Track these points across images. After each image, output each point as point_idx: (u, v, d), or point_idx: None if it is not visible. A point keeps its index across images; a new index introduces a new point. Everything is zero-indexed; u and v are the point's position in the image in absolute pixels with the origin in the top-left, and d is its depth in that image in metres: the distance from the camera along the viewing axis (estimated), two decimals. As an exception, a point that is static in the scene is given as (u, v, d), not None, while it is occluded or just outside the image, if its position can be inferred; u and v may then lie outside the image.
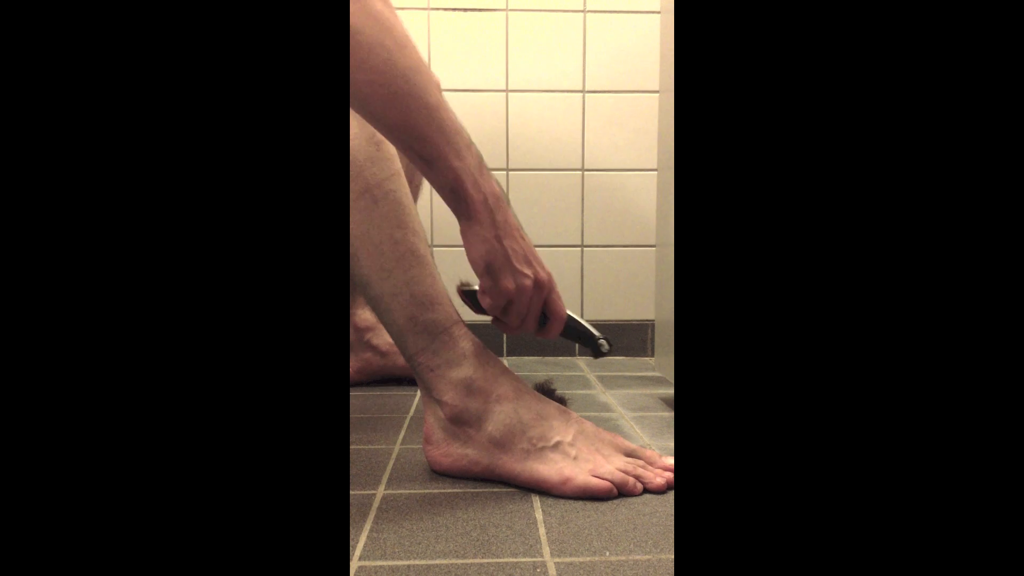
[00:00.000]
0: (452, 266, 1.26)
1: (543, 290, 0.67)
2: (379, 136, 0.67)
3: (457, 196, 0.62)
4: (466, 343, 0.66)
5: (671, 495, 0.62)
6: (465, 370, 0.66)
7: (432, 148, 0.59)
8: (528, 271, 0.65)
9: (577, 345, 0.71)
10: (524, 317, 0.66)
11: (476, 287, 0.69)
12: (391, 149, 0.68)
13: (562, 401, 0.83)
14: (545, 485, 0.62)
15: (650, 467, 0.64)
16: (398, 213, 0.66)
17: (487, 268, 0.63)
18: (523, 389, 0.66)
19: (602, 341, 0.75)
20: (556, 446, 0.63)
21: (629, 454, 0.65)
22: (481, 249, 0.63)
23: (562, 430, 0.64)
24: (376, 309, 0.67)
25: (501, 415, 0.64)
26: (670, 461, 0.65)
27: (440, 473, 0.67)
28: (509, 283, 0.64)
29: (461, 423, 0.65)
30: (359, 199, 0.65)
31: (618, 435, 0.67)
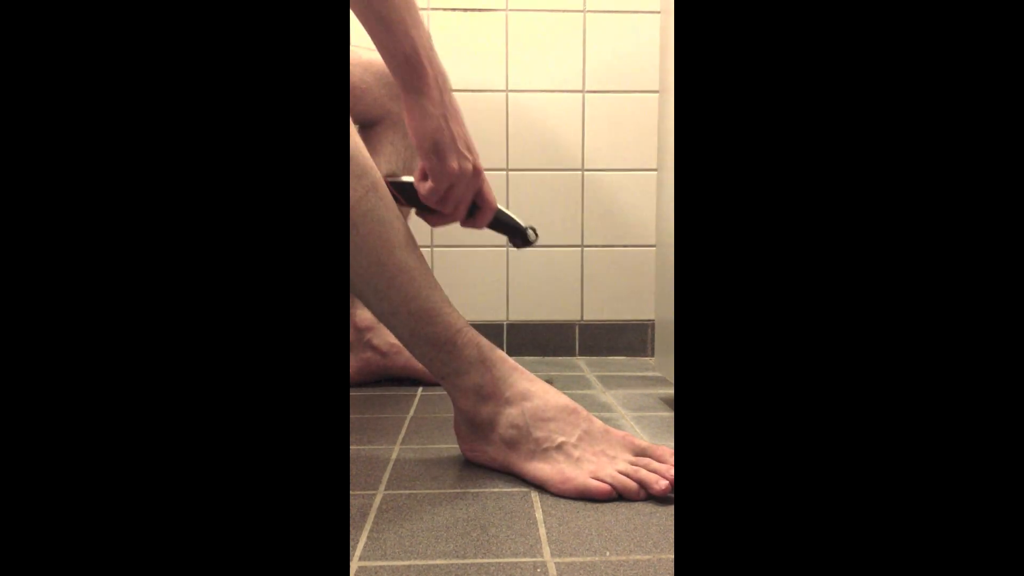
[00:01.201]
0: (452, 267, 1.26)
1: (478, 178, 0.69)
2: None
3: (411, 66, 0.62)
4: (471, 351, 0.67)
5: (670, 494, 0.62)
6: (473, 378, 0.66)
7: (394, 11, 0.60)
8: (469, 156, 0.67)
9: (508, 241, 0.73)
10: (458, 204, 0.69)
11: (405, 179, 0.70)
12: (360, 163, 0.63)
13: None
14: (548, 484, 0.62)
15: (656, 469, 0.62)
16: (380, 232, 0.64)
17: (434, 147, 0.64)
18: (531, 389, 0.66)
19: (529, 230, 0.78)
20: (560, 447, 0.63)
21: (640, 452, 0.64)
22: (429, 126, 0.64)
23: (567, 431, 0.64)
24: (381, 323, 0.69)
25: (509, 419, 0.65)
26: None
27: (470, 462, 0.70)
28: (454, 165, 0.65)
29: (477, 426, 0.68)
30: None
31: (629, 433, 0.67)
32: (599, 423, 0.66)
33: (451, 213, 0.70)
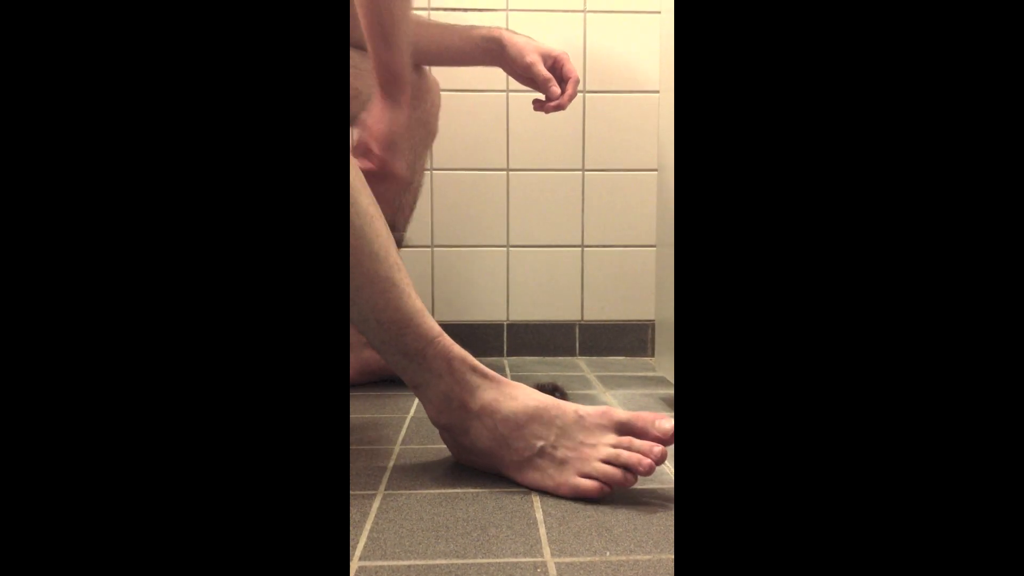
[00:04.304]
0: (452, 267, 1.26)
1: (402, 187, 0.93)
2: None
3: (397, 81, 0.79)
4: (439, 362, 0.66)
5: (670, 494, 0.62)
6: (441, 388, 0.66)
7: (397, 29, 0.76)
8: (413, 167, 0.91)
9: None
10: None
11: None
12: None
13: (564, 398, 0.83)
14: (545, 489, 0.62)
15: (639, 448, 0.60)
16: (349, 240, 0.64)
17: (390, 144, 0.81)
18: (498, 399, 0.65)
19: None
20: (541, 452, 0.63)
21: (622, 426, 0.62)
22: (393, 128, 0.81)
23: (543, 433, 0.63)
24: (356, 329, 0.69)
25: (482, 431, 0.65)
26: (666, 424, 0.61)
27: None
28: (401, 165, 0.84)
29: (453, 433, 0.67)
30: None
31: (608, 408, 0.63)
32: (571, 412, 0.63)
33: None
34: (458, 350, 0.67)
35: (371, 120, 0.81)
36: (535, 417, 0.64)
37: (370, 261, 0.65)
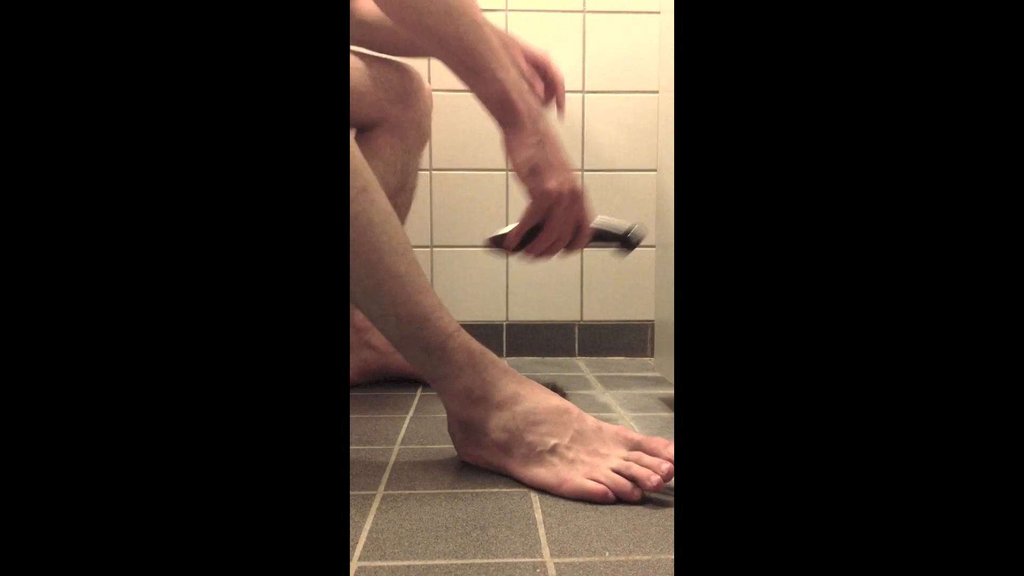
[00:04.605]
0: (452, 267, 1.26)
1: (578, 199, 0.74)
2: None
3: (503, 106, 0.70)
4: (460, 355, 0.67)
5: (670, 494, 0.62)
6: (463, 381, 0.67)
7: (480, 60, 0.69)
8: (568, 176, 0.73)
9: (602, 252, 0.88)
10: (561, 228, 0.75)
11: (503, 231, 0.79)
12: (352, 164, 0.65)
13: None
14: (546, 487, 0.62)
15: (648, 464, 0.61)
16: (369, 235, 0.65)
17: (531, 170, 0.72)
18: (521, 392, 0.66)
19: (634, 228, 0.84)
20: (553, 450, 0.63)
21: (635, 446, 0.63)
22: (526, 153, 0.72)
23: (559, 433, 0.64)
24: (373, 325, 0.70)
25: (500, 422, 0.65)
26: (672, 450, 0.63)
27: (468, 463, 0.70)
28: (553, 183, 0.72)
29: (469, 429, 0.68)
30: None
31: (623, 428, 0.65)
32: (591, 421, 0.65)
33: (557, 238, 0.76)
34: (478, 344, 0.68)
35: (508, 157, 0.75)
36: (554, 416, 0.65)
37: (391, 256, 0.65)
